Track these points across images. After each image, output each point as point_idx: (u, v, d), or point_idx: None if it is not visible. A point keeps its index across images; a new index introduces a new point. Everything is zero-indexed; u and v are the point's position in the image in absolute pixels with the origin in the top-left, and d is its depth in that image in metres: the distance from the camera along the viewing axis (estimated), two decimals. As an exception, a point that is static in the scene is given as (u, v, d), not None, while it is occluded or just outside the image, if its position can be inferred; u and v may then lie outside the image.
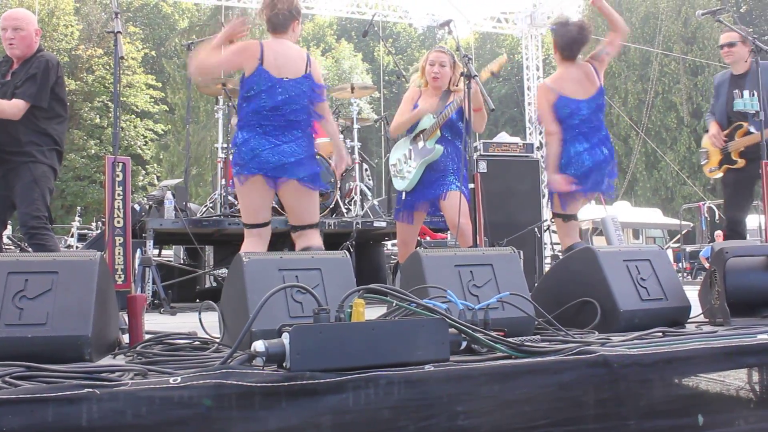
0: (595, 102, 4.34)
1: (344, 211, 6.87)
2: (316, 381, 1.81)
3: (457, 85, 4.48)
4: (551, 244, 8.46)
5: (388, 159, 5.03)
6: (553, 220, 4.72)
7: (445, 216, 4.46)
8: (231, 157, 6.51)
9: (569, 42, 4.32)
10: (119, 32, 3.42)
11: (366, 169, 7.25)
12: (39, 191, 4.09)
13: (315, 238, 3.84)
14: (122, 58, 3.43)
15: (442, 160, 4.45)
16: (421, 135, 4.49)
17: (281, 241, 5.71)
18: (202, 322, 2.99)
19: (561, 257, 4.07)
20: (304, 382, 1.80)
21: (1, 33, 4.15)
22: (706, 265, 9.99)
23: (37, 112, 4.15)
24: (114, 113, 3.56)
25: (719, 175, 5.28)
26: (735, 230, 5.16)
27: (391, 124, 4.79)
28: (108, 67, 26.05)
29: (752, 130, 4.92)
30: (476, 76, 3.87)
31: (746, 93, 4.94)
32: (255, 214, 3.74)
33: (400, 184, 4.65)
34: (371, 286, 2.24)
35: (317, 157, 4.26)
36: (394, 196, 5.41)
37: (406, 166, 4.58)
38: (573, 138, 4.30)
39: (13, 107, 4.06)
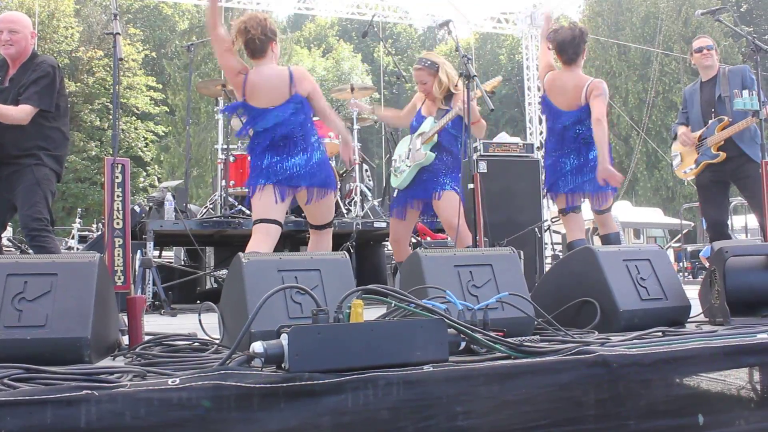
0: (575, 116, 4.35)
1: (344, 211, 6.87)
2: (315, 382, 1.81)
3: (456, 86, 4.48)
4: (551, 244, 8.46)
5: (390, 158, 5.05)
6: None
7: (440, 216, 4.47)
8: (231, 158, 6.60)
9: (562, 44, 4.37)
10: (118, 33, 3.42)
11: (366, 170, 7.24)
12: (41, 193, 4.09)
13: (325, 238, 4.15)
14: (121, 59, 3.43)
15: (437, 163, 4.46)
16: (421, 137, 4.51)
17: (281, 242, 5.72)
18: (202, 324, 2.99)
19: (561, 257, 4.09)
20: (303, 383, 1.80)
21: None
22: (707, 264, 9.97)
23: (43, 115, 4.16)
24: (113, 115, 3.56)
25: (695, 175, 5.25)
26: (721, 232, 5.10)
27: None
28: (108, 69, 26.06)
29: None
30: (475, 76, 3.87)
31: (746, 92, 4.91)
32: (265, 211, 3.88)
33: (394, 181, 4.71)
34: (370, 286, 2.24)
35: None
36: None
37: (402, 164, 4.62)
38: (553, 144, 4.51)
39: (21, 112, 4.05)
